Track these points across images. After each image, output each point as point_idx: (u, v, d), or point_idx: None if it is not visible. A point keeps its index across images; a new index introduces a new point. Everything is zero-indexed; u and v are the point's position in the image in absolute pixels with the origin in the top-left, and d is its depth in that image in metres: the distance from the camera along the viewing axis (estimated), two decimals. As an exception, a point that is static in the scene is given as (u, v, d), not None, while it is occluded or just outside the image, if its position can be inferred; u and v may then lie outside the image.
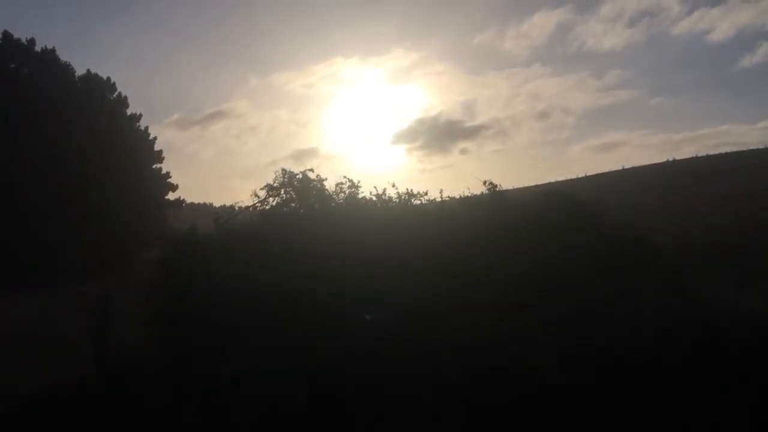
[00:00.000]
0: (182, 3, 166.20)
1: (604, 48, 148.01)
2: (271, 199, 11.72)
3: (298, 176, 11.64)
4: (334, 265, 9.04)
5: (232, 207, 12.36)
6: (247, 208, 11.91)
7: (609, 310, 8.06)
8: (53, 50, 27.94)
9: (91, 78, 29.39)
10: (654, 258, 10.32)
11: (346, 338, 7.67)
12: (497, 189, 11.69)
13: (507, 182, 13.71)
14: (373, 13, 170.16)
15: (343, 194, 11.58)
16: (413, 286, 8.77)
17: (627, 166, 40.63)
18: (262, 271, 9.24)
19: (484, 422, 6.01)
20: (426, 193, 11.68)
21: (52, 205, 23.78)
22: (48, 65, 27.42)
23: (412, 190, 11.60)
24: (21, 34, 29.33)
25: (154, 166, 31.91)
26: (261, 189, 11.71)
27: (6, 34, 26.45)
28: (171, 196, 32.63)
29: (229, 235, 11.02)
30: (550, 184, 34.53)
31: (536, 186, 33.51)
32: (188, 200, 35.49)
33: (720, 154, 39.53)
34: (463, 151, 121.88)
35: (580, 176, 40.70)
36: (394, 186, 11.58)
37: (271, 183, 11.70)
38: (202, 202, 55.20)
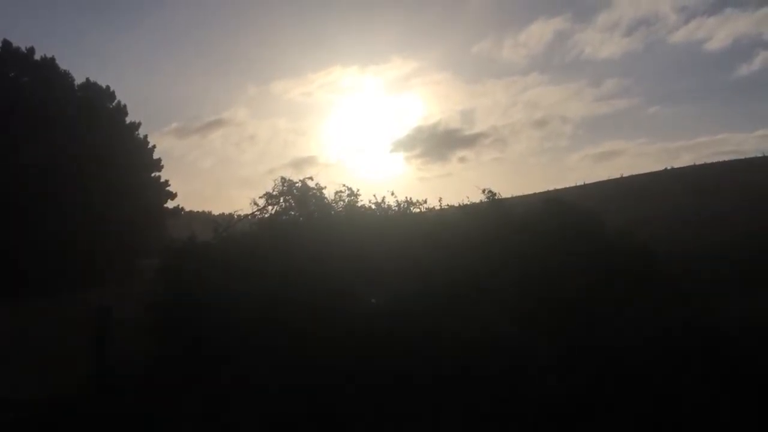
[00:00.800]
0: (181, 12, 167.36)
1: (602, 57, 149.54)
2: (270, 207, 11.69)
3: (297, 184, 11.62)
4: (333, 273, 9.06)
5: (231, 215, 12.30)
6: (246, 216, 11.88)
7: (608, 318, 8.08)
8: (53, 59, 28.11)
9: (90, 86, 29.54)
10: (652, 266, 10.35)
11: (346, 345, 7.68)
12: (496, 197, 11.72)
13: (505, 190, 13.73)
14: (372, 23, 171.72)
15: (342, 202, 11.56)
16: (413, 293, 8.79)
17: (625, 175, 40.69)
18: (261, 279, 9.25)
19: (483, 426, 6.02)
20: (425, 202, 11.69)
21: (52, 214, 23.78)
22: (47, 74, 27.54)
23: (411, 199, 11.59)
24: (20, 42, 29.36)
25: (152, 175, 32.01)
26: (260, 197, 11.68)
27: (5, 42, 26.61)
28: (170, 204, 32.74)
29: (228, 244, 11.01)
30: (548, 192, 34.56)
31: (534, 194, 33.55)
32: (187, 208, 35.54)
33: (717, 163, 39.67)
34: (462, 160, 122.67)
35: (578, 184, 40.78)
36: (393, 194, 11.57)
37: (270, 191, 11.67)
38: (201, 210, 55.05)
